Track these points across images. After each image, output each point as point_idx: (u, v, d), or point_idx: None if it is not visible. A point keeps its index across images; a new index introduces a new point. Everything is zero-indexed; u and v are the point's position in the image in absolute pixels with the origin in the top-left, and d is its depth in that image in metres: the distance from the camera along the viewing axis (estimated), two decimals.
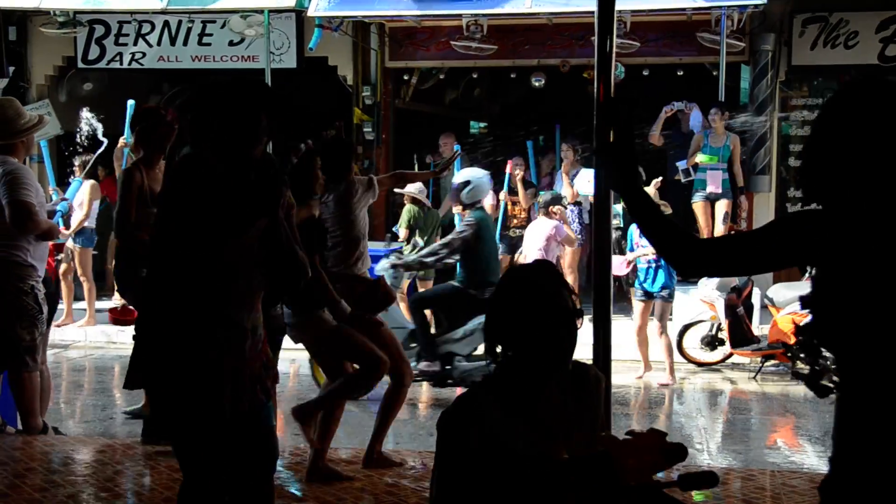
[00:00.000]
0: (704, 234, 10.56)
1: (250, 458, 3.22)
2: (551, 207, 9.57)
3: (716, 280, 9.24)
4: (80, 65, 13.28)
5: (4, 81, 12.05)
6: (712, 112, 10.66)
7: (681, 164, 10.84)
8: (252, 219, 3.09)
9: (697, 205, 10.79)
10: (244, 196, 3.06)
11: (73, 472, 5.25)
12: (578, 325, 2.50)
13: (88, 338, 10.83)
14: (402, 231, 10.26)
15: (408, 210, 10.27)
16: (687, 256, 2.30)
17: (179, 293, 3.10)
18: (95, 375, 9.44)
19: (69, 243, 10.32)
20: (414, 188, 10.09)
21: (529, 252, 9.65)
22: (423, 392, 8.62)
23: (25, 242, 5.60)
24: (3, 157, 5.53)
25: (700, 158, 10.60)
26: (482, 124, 16.64)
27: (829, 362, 2.29)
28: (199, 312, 3.09)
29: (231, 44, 12.86)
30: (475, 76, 14.19)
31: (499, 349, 2.53)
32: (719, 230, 10.50)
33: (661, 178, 10.09)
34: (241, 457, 3.18)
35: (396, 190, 10.08)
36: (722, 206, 10.72)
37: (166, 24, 12.89)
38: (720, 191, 10.66)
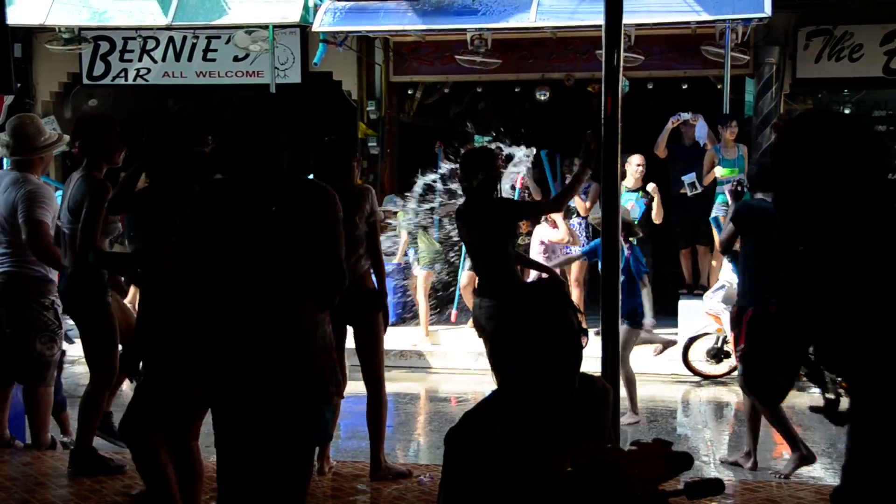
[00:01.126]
0: (718, 247, 10.47)
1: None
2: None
3: (721, 292, 9.24)
4: (86, 81, 13.34)
5: (10, 98, 12.10)
6: (723, 125, 10.58)
7: (686, 178, 10.76)
8: (285, 236, 3.16)
9: (718, 219, 10.59)
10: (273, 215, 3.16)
11: (84, 486, 5.25)
12: (584, 345, 2.51)
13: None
14: None
15: None
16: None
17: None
18: None
19: None
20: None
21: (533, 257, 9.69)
22: (429, 406, 8.63)
23: None
24: (23, 175, 5.56)
25: (721, 172, 10.44)
26: (486, 138, 16.62)
27: (839, 387, 2.33)
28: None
29: (236, 59, 12.91)
30: (479, 90, 14.22)
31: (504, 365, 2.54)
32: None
33: (654, 185, 10.13)
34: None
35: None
36: None
37: (171, 40, 12.95)
38: None
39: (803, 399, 5.03)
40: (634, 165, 10.15)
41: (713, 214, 10.63)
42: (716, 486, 2.29)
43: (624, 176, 10.94)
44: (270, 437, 3.23)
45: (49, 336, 5.63)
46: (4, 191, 5.55)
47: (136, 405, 4.07)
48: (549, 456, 2.40)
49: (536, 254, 9.70)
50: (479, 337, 5.64)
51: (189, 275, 3.33)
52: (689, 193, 10.84)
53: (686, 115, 10.99)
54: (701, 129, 11.18)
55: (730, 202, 7.97)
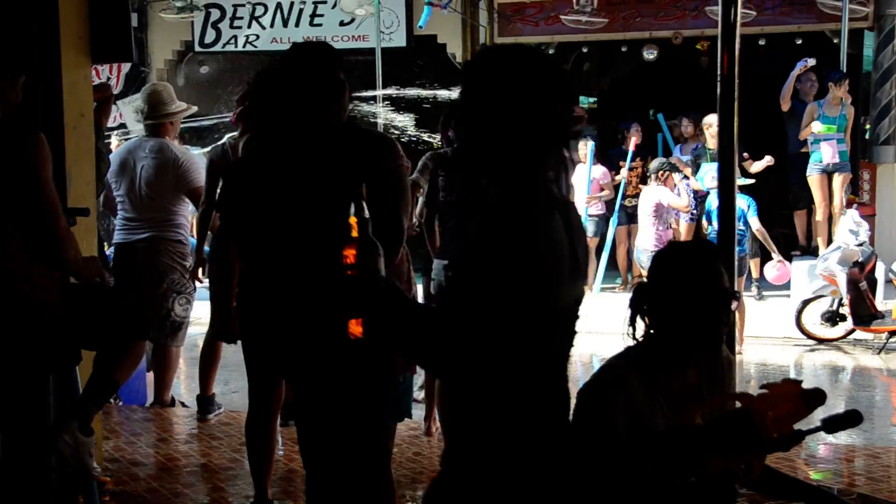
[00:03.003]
0: (821, 208, 10.19)
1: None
2: (660, 173, 9.44)
3: (837, 254, 8.99)
4: (197, 48, 13.65)
5: (127, 67, 12.50)
6: (835, 82, 10.17)
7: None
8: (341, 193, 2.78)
9: (813, 178, 10.28)
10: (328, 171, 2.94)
11: (204, 442, 5.44)
12: (733, 307, 2.47)
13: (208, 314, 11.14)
14: None
15: None
16: None
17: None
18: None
19: None
20: None
21: (642, 221, 9.56)
22: None
23: (185, 221, 5.90)
24: (164, 142, 5.80)
25: (817, 128, 10.12)
26: (591, 100, 16.45)
27: None
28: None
29: (342, 24, 13.01)
30: (585, 50, 14.03)
31: (640, 325, 2.51)
32: (838, 203, 10.13)
33: (770, 158, 9.84)
34: None
35: None
36: (840, 179, 10.28)
37: (279, 6, 13.13)
38: (838, 161, 10.24)
39: None
40: (706, 128, 9.85)
41: (808, 173, 10.31)
42: (854, 417, 2.23)
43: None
44: (343, 415, 3.04)
45: (186, 298, 5.88)
46: (151, 156, 5.76)
47: (256, 397, 4.07)
48: (679, 417, 2.38)
49: (646, 214, 9.56)
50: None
51: (245, 242, 3.21)
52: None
53: (812, 61, 10.54)
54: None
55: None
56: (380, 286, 1.97)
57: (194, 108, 6.14)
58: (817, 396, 2.21)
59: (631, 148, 10.63)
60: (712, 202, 9.41)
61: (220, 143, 5.84)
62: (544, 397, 2.08)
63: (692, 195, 10.01)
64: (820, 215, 10.23)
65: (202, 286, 5.81)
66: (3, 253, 3.10)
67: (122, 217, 5.88)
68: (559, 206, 2.04)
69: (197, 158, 5.96)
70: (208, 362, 5.81)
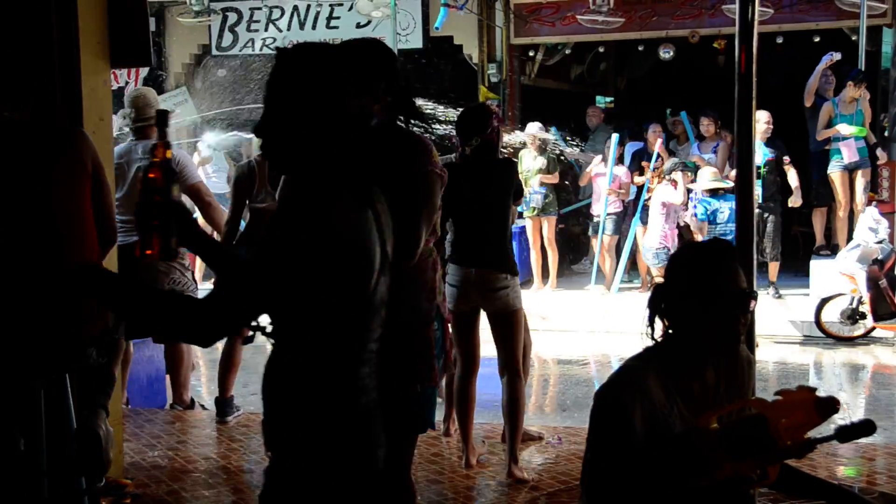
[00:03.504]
0: (843, 205, 10.13)
1: None
2: (673, 173, 9.46)
3: (857, 252, 8.95)
4: (215, 52, 13.71)
5: (146, 71, 12.57)
6: (854, 81, 10.04)
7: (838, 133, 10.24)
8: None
9: (835, 175, 10.22)
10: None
11: (224, 445, 5.47)
12: (752, 307, 2.46)
13: None
14: None
15: None
16: None
17: None
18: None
19: None
20: None
21: (651, 219, 9.60)
22: (553, 368, 8.64)
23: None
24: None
25: (847, 131, 10.02)
26: (608, 99, 16.43)
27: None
28: None
29: (358, 26, 13.04)
30: (601, 50, 14.01)
31: (658, 326, 2.51)
32: (860, 200, 10.07)
33: (787, 158, 9.82)
34: None
35: None
36: (861, 176, 10.21)
37: (295, 8, 13.18)
38: (858, 159, 10.16)
39: None
40: (763, 123, 9.79)
41: (829, 170, 10.26)
42: (867, 427, 2.22)
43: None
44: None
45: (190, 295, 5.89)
46: (147, 157, 5.78)
47: None
48: (695, 419, 2.38)
49: (657, 214, 9.61)
50: (461, 311, 4.89)
51: None
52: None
53: (837, 55, 10.46)
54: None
55: None
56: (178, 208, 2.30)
57: (176, 114, 6.23)
58: (831, 405, 2.21)
59: (657, 149, 10.60)
60: (713, 203, 9.43)
61: (246, 161, 5.88)
62: (331, 383, 2.15)
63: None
64: (841, 213, 10.15)
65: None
66: (79, 250, 3.16)
67: (119, 220, 5.90)
68: (364, 200, 2.15)
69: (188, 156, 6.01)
70: (227, 365, 5.86)
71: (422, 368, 3.16)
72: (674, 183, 9.62)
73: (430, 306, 3.22)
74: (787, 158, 9.89)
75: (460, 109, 5.25)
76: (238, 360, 5.92)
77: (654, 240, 9.38)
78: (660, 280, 2.57)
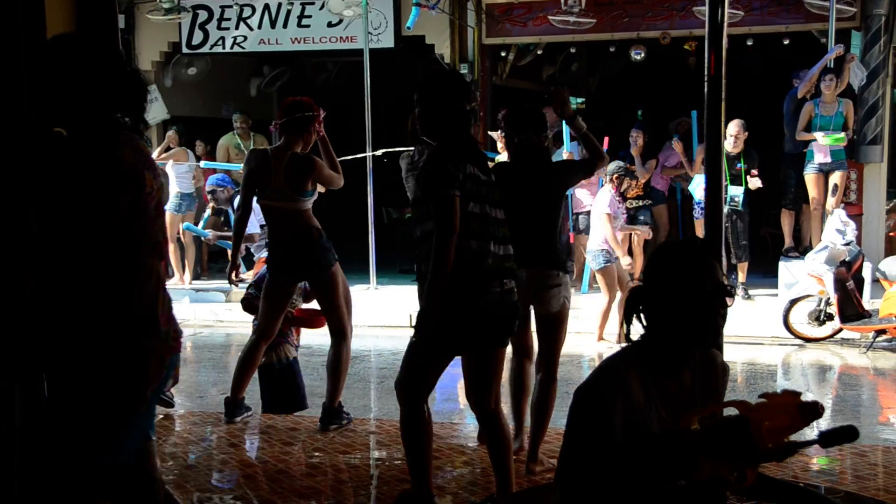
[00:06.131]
0: (814, 206, 10.21)
1: None
2: (614, 176, 9.36)
3: (825, 253, 9.03)
4: (185, 50, 13.60)
5: None
6: (826, 79, 10.18)
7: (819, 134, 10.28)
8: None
9: (809, 177, 10.33)
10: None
11: (189, 443, 5.44)
12: (729, 304, 2.47)
13: (197, 316, 11.14)
14: None
15: None
16: None
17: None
18: (206, 353, 9.72)
19: None
20: None
21: (592, 222, 9.47)
22: None
23: None
24: None
25: (824, 141, 10.06)
26: (580, 100, 16.49)
27: None
28: None
29: (330, 25, 12.99)
30: (573, 51, 14.05)
31: (637, 325, 2.52)
32: (830, 203, 10.16)
33: (755, 171, 9.86)
34: None
35: None
36: (835, 178, 10.26)
37: (266, 7, 13.11)
38: (830, 161, 10.25)
39: None
40: (730, 136, 9.81)
41: (805, 171, 10.35)
42: (850, 433, 2.24)
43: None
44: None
45: None
46: None
47: (416, 371, 4.03)
48: (672, 424, 2.38)
49: (595, 216, 9.55)
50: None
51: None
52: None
53: (841, 48, 10.49)
54: (857, 73, 10.58)
55: None
56: None
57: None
58: (815, 410, 2.22)
59: (634, 152, 10.65)
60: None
61: (262, 148, 5.81)
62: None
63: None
64: (814, 214, 10.22)
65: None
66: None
67: None
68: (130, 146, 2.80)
69: None
70: (245, 367, 5.81)
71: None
72: (615, 187, 9.46)
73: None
74: (754, 171, 9.96)
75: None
76: (258, 363, 5.87)
77: (594, 243, 9.23)
78: (634, 283, 2.58)
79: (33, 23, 3.97)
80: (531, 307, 4.92)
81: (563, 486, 2.50)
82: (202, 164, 12.11)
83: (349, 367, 5.73)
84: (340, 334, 5.58)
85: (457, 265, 3.80)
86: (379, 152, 10.01)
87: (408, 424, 4.00)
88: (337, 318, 5.59)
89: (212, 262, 13.36)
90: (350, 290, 5.78)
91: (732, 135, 9.80)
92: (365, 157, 11.40)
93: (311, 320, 6.15)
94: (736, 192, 9.83)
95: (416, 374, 3.98)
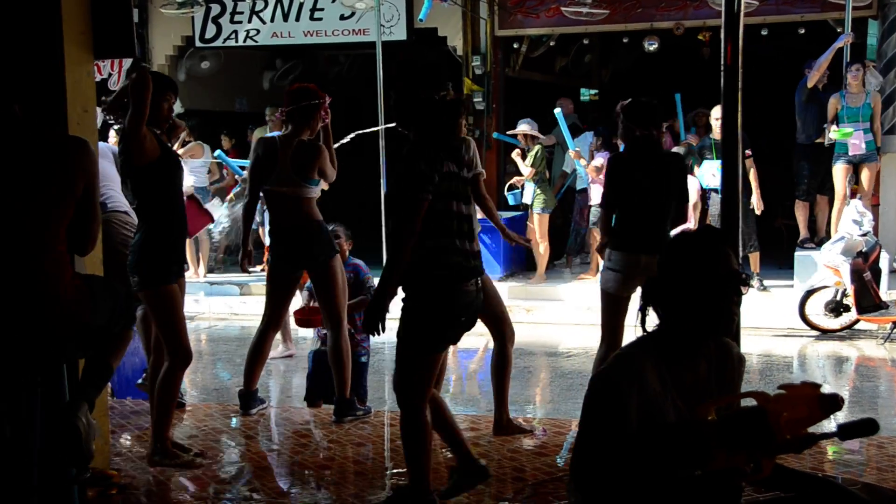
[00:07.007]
0: (840, 198, 10.10)
1: None
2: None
3: (841, 244, 8.98)
4: (198, 44, 13.64)
5: (128, 62, 12.49)
6: (853, 69, 10.02)
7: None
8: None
9: (838, 168, 10.13)
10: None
11: (207, 434, 5.46)
12: (744, 292, 2.48)
13: (212, 309, 11.18)
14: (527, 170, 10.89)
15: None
16: None
17: None
18: (222, 346, 9.75)
19: None
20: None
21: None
22: (539, 360, 8.65)
23: None
24: None
25: (835, 136, 9.91)
26: (593, 91, 16.45)
27: None
28: None
29: (342, 18, 13.00)
30: (586, 42, 14.01)
31: (652, 315, 2.52)
32: (869, 194, 10.04)
33: (748, 152, 9.70)
34: None
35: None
36: (867, 169, 10.09)
37: (279, 0, 13.13)
38: (864, 152, 10.07)
39: None
40: (714, 120, 9.74)
41: (833, 162, 10.22)
42: (870, 426, 2.23)
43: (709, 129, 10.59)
44: None
45: None
46: None
47: (409, 372, 4.02)
48: (688, 414, 2.38)
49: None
50: (621, 296, 5.27)
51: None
52: (825, 143, 10.28)
53: (852, 36, 10.35)
54: (871, 80, 10.40)
55: None
56: None
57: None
58: (834, 402, 2.21)
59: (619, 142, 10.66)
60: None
61: (270, 135, 5.82)
62: None
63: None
64: (837, 206, 10.09)
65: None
66: (48, 256, 3.13)
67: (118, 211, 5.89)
68: None
69: None
70: (256, 357, 5.83)
71: None
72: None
73: None
74: (748, 152, 9.65)
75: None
76: (268, 353, 5.89)
77: None
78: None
79: (49, 19, 3.99)
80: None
81: (577, 475, 2.50)
82: (216, 154, 12.12)
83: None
84: (337, 326, 5.60)
85: (440, 265, 3.84)
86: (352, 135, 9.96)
87: (408, 425, 4.02)
88: (334, 310, 5.60)
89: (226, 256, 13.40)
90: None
91: (717, 118, 9.61)
92: (378, 149, 11.40)
93: (312, 320, 6.20)
94: None
95: (410, 376, 4.00)
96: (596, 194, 10.94)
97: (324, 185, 5.76)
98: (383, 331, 3.85)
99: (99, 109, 5.03)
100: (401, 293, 3.91)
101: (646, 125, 5.17)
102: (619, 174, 5.28)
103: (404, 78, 3.97)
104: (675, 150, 9.74)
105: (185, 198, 5.09)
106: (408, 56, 12.46)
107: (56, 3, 4.02)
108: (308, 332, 7.46)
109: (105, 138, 7.35)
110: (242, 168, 11.06)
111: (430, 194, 3.78)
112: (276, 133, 5.87)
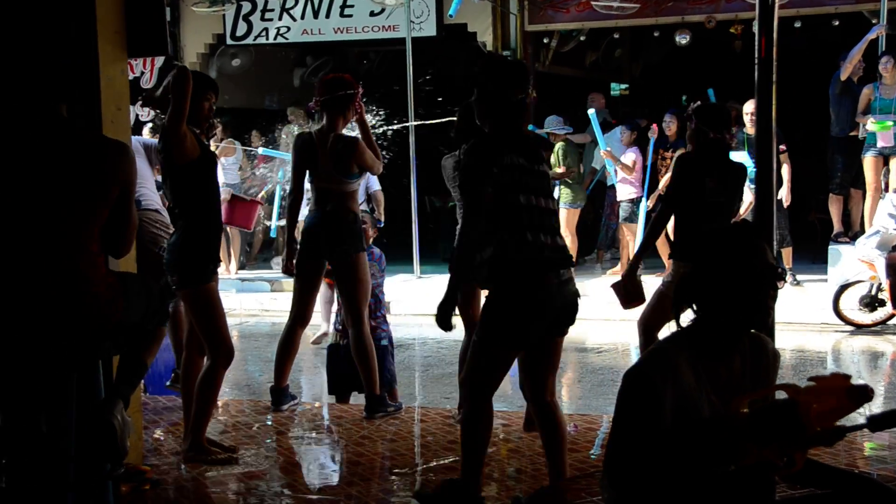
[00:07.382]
0: (871, 191, 9.99)
1: None
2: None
3: (876, 238, 8.89)
4: (229, 41, 13.72)
5: (161, 60, 12.59)
6: (883, 61, 9.86)
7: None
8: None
9: (868, 160, 10.02)
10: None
11: (239, 430, 5.49)
12: (780, 286, 2.47)
13: (243, 305, 11.24)
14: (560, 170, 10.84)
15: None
16: None
17: None
18: (253, 342, 9.81)
19: None
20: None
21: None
22: (569, 356, 8.63)
23: None
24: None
25: (872, 127, 9.77)
26: (623, 86, 16.38)
27: None
28: None
29: (372, 14, 13.02)
30: (616, 36, 13.94)
31: (687, 310, 2.51)
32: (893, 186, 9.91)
33: (783, 147, 9.62)
34: None
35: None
36: (894, 163, 9.92)
37: None
38: (894, 145, 9.90)
39: None
40: (747, 115, 9.60)
41: (863, 154, 10.10)
42: None
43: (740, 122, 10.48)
44: None
45: None
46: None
47: (482, 369, 4.01)
48: (725, 405, 2.37)
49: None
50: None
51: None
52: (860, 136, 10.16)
53: (886, 27, 10.22)
54: None
55: None
56: None
57: None
58: (864, 393, 2.20)
59: (652, 136, 10.66)
60: None
61: (308, 131, 5.85)
62: None
63: None
64: (870, 199, 9.98)
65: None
66: (83, 255, 3.16)
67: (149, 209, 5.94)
68: None
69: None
70: (286, 353, 5.84)
71: None
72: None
73: None
74: (782, 147, 9.64)
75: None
76: (297, 349, 5.89)
77: None
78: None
79: (84, 18, 4.03)
80: None
81: (611, 470, 2.50)
82: (261, 150, 12.20)
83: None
84: (358, 322, 5.60)
85: (515, 259, 3.79)
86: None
87: (470, 422, 3.99)
88: (355, 306, 5.60)
89: (258, 253, 13.48)
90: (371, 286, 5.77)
91: (748, 112, 9.50)
92: (408, 148, 11.41)
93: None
94: None
95: (482, 372, 3.97)
96: (623, 191, 10.91)
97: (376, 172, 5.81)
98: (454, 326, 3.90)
99: (135, 107, 5.09)
100: None
101: (719, 129, 5.13)
102: (687, 176, 5.22)
103: (491, 76, 3.92)
104: None
105: (228, 197, 5.11)
106: (490, 54, 12.46)
107: (91, 4, 4.06)
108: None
109: (138, 133, 7.41)
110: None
111: (491, 187, 3.78)
112: (311, 130, 5.87)
